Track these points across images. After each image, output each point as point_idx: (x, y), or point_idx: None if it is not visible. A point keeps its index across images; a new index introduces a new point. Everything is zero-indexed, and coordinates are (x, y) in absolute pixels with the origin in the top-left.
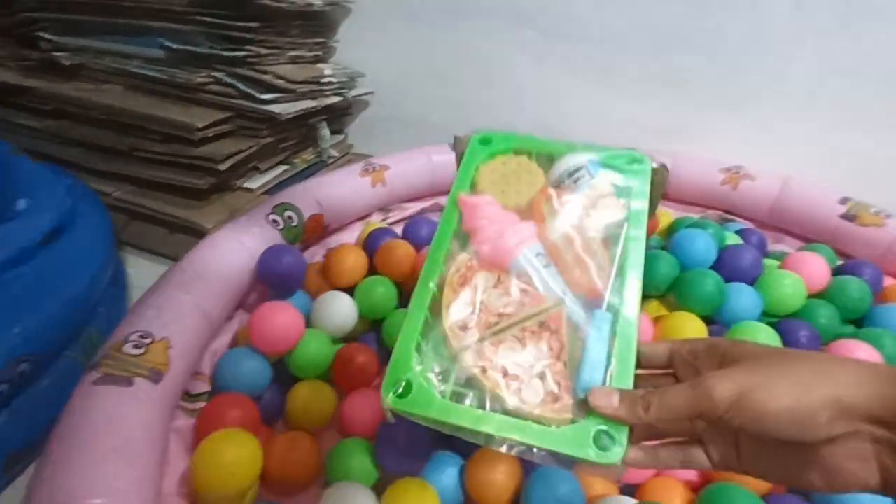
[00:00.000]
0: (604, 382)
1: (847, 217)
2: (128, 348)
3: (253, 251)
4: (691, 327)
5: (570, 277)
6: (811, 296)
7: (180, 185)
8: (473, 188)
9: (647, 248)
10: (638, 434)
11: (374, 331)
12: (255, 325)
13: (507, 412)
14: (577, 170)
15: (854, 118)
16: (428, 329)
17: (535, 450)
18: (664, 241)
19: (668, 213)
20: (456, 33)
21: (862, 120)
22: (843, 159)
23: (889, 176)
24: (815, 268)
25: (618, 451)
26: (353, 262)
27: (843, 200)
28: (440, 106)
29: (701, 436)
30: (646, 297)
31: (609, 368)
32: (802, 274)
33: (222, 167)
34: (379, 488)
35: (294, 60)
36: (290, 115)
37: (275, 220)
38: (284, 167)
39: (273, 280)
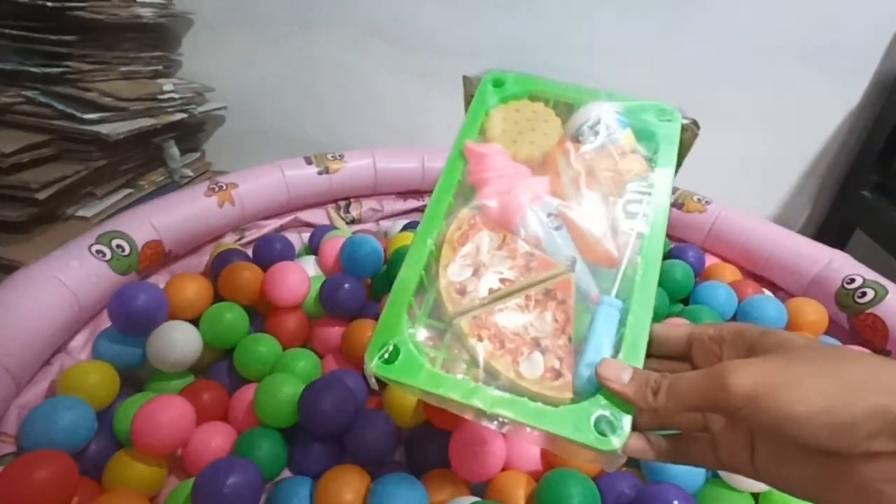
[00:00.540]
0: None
1: (676, 205)
2: None
3: (74, 288)
4: None
5: (584, 243)
6: None
7: None
8: (482, 135)
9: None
10: (644, 422)
11: (225, 359)
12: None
13: (502, 386)
14: (597, 122)
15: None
16: (422, 290)
17: (528, 428)
18: None
19: None
20: (309, 44)
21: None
22: None
23: (708, 168)
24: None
25: (618, 439)
26: (196, 291)
27: (673, 190)
28: (300, 119)
29: (713, 432)
30: None
31: (616, 353)
32: None
33: (41, 196)
34: None
35: (127, 76)
36: (121, 136)
37: (100, 251)
38: (128, 191)
39: (128, 324)
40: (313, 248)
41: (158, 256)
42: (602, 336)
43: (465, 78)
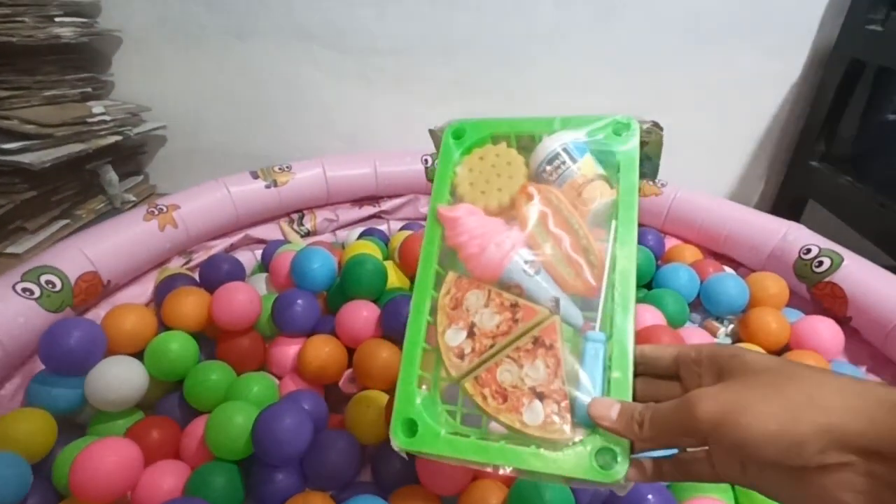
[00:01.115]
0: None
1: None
2: None
3: None
4: None
5: (563, 279)
6: None
7: None
8: (453, 192)
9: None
10: (640, 450)
11: (176, 392)
12: None
13: (510, 438)
14: (555, 157)
15: (624, 101)
16: (429, 360)
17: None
18: None
19: None
20: (246, 55)
21: (628, 102)
22: None
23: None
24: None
25: (620, 469)
26: (137, 322)
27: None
28: (245, 132)
29: (709, 449)
30: None
31: (606, 385)
32: None
33: None
34: None
35: (52, 100)
36: (47, 164)
37: (27, 290)
38: (64, 222)
39: (62, 364)
40: (266, 265)
41: (96, 289)
42: (592, 373)
43: (430, 131)
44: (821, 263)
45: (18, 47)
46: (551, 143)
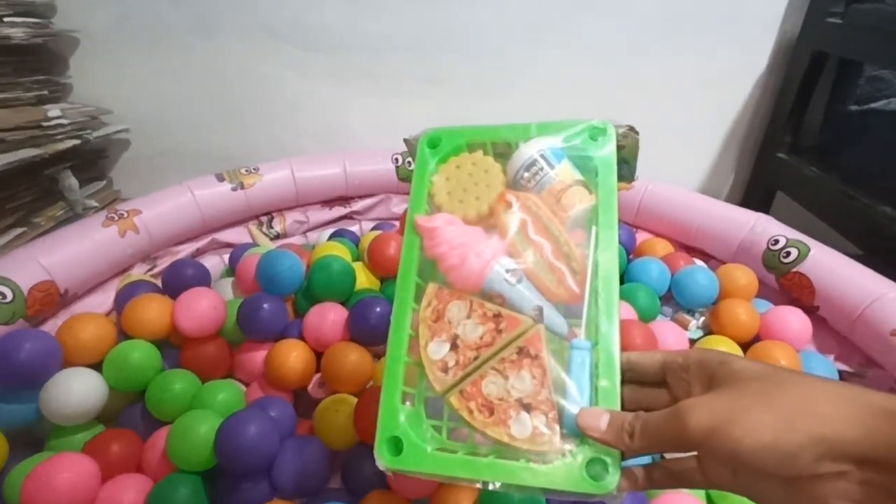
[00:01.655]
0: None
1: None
2: None
3: None
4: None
5: (546, 287)
6: None
7: None
8: (430, 201)
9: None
10: (630, 458)
11: (138, 402)
12: None
13: (499, 453)
14: (532, 163)
15: (596, 95)
16: (412, 374)
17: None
18: None
19: None
20: (211, 54)
21: (600, 96)
22: None
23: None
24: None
25: (612, 480)
26: (95, 332)
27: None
28: (211, 134)
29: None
30: None
31: (593, 394)
32: None
33: None
34: None
35: (4, 104)
36: None
37: None
38: (20, 230)
39: (14, 377)
40: (233, 270)
41: (52, 299)
42: (579, 381)
43: (405, 140)
44: (788, 254)
45: None
46: (528, 150)
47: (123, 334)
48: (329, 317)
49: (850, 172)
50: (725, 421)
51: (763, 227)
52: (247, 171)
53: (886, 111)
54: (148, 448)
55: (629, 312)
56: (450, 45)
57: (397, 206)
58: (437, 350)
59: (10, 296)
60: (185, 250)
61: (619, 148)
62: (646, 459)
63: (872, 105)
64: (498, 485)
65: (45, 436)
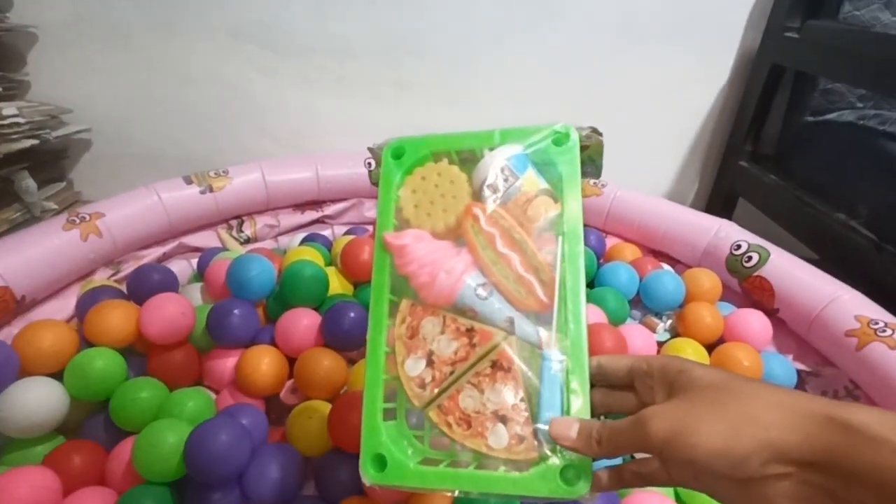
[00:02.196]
0: (562, 415)
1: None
2: None
3: None
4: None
5: (516, 298)
6: None
7: None
8: (398, 215)
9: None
10: (599, 460)
11: (101, 413)
12: None
13: (478, 462)
14: (496, 175)
15: (564, 101)
16: (391, 389)
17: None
18: None
19: None
20: (175, 53)
21: (568, 102)
22: None
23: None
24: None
25: (584, 484)
26: (54, 340)
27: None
28: (177, 135)
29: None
30: None
31: (564, 402)
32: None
33: None
34: None
35: None
36: None
37: None
38: None
39: None
40: (202, 274)
41: (7, 305)
42: (551, 392)
43: (369, 149)
44: (750, 258)
45: None
46: (492, 161)
47: (86, 342)
48: (302, 322)
49: (805, 180)
50: (682, 428)
51: (726, 233)
52: (216, 173)
53: (839, 122)
54: (112, 459)
55: (599, 316)
56: (419, 49)
57: (370, 210)
58: (413, 367)
59: None
60: (151, 255)
61: (584, 148)
62: (617, 460)
63: (827, 116)
64: (476, 493)
65: (1, 450)
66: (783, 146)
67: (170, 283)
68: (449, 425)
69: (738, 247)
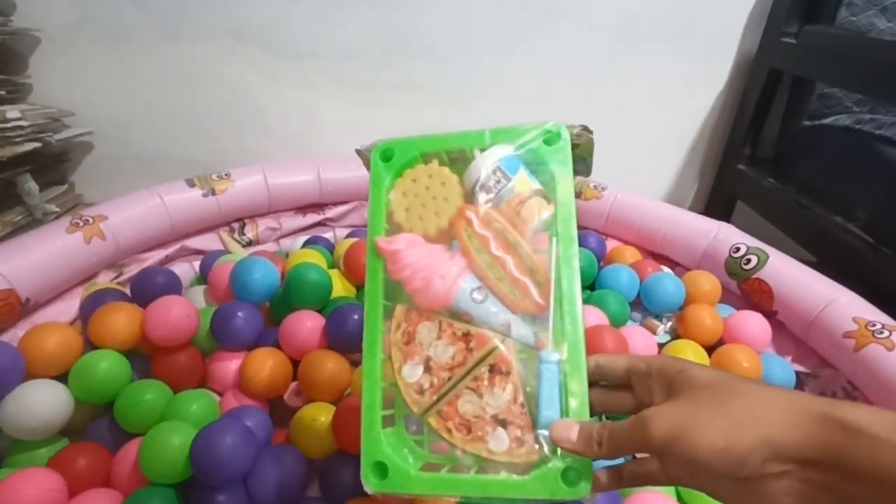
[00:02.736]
0: (562, 417)
1: (574, 194)
2: None
3: None
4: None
5: (511, 301)
6: None
7: None
8: (389, 219)
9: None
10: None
11: (106, 415)
12: None
13: (479, 466)
14: (489, 177)
15: (564, 105)
16: (389, 395)
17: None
18: None
19: None
20: (178, 57)
21: (568, 106)
22: None
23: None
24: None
25: (585, 485)
26: (59, 342)
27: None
28: (179, 139)
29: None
30: None
31: (563, 404)
32: None
33: None
34: None
35: None
36: None
37: None
38: None
39: None
40: (204, 277)
41: (12, 308)
42: (550, 394)
43: (357, 151)
44: (749, 261)
45: None
46: (484, 163)
47: (90, 344)
48: (306, 324)
49: (803, 184)
50: (683, 429)
51: (725, 235)
52: (218, 176)
53: (836, 126)
54: (117, 461)
55: (601, 318)
56: (420, 52)
57: None
58: (411, 373)
59: None
60: (154, 257)
61: (574, 147)
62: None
63: (824, 121)
64: (478, 497)
65: (4, 451)
66: (781, 150)
67: (173, 286)
68: (449, 431)
69: (737, 249)
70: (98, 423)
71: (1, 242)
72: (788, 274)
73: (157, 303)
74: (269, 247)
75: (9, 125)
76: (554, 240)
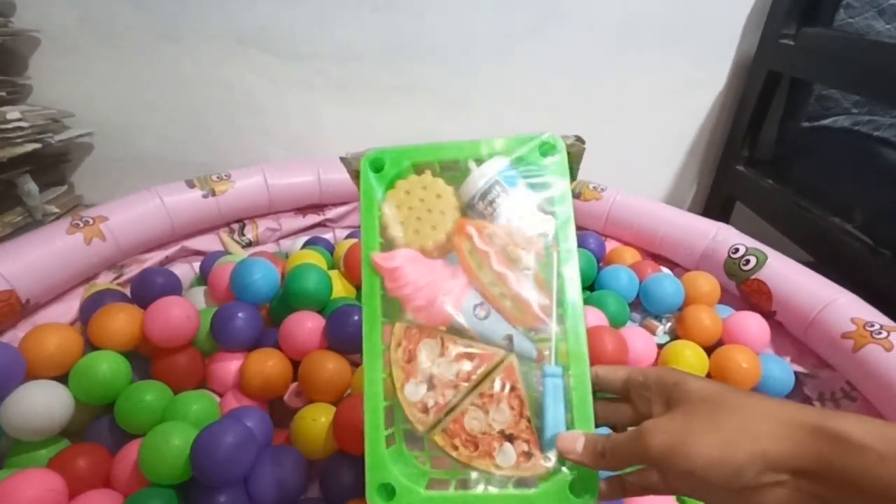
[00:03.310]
0: (567, 429)
1: (574, 195)
2: None
3: None
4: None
5: (514, 315)
6: None
7: None
8: (384, 233)
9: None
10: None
11: (106, 416)
12: None
13: (487, 484)
14: (487, 191)
15: (564, 107)
16: (389, 413)
17: None
18: None
19: None
20: (178, 58)
21: (568, 108)
22: None
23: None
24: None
25: (591, 496)
26: (60, 343)
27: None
28: (179, 140)
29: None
30: None
31: (568, 416)
32: None
33: None
34: None
35: None
36: None
37: None
38: None
39: None
40: (204, 278)
41: (12, 308)
42: (555, 407)
43: (342, 159)
44: (748, 262)
45: None
46: (483, 176)
47: (90, 345)
48: (306, 325)
49: (801, 185)
50: (680, 442)
51: (724, 236)
52: (218, 177)
53: (834, 128)
54: (117, 462)
55: (600, 319)
56: (419, 55)
57: None
58: (414, 391)
59: None
60: (154, 258)
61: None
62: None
63: (822, 122)
64: None
65: (5, 452)
66: (780, 151)
67: (173, 287)
68: (455, 448)
69: (736, 250)
70: (98, 424)
71: (1, 243)
72: (787, 275)
73: (157, 304)
74: (269, 248)
75: (9, 126)
76: (554, 253)
